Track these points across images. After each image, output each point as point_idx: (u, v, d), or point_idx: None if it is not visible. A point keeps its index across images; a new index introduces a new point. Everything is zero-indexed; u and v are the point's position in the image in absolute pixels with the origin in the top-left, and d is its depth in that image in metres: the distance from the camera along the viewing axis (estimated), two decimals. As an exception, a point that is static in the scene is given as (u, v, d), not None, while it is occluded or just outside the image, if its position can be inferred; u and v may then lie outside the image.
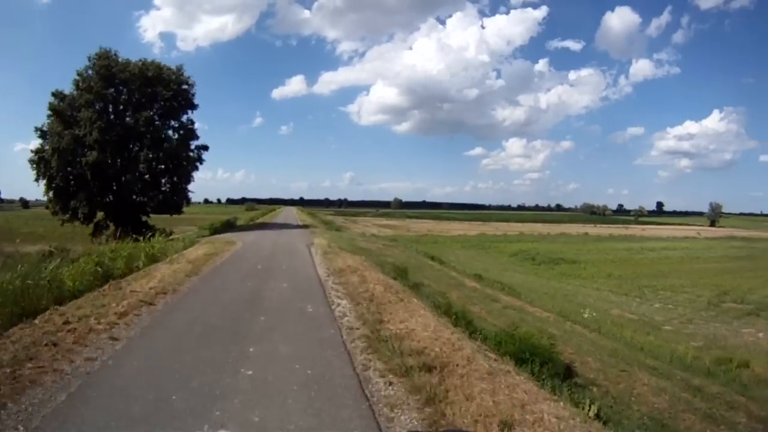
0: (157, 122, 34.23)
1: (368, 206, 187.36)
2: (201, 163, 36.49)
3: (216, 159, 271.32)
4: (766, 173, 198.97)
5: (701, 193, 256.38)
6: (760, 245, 61.42)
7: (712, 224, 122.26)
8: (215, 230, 31.82)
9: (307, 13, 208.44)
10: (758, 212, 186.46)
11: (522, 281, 30.19)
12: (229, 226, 35.88)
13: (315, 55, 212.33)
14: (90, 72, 32.21)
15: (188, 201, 37.51)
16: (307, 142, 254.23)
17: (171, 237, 32.00)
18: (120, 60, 33.09)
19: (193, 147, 36.12)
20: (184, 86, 35.02)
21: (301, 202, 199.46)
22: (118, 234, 30.32)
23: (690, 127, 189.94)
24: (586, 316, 19.24)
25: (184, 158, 35.16)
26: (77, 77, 32.21)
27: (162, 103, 34.04)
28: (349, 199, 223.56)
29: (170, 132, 35.30)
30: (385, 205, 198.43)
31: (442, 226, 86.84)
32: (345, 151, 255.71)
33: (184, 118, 35.60)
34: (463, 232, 71.67)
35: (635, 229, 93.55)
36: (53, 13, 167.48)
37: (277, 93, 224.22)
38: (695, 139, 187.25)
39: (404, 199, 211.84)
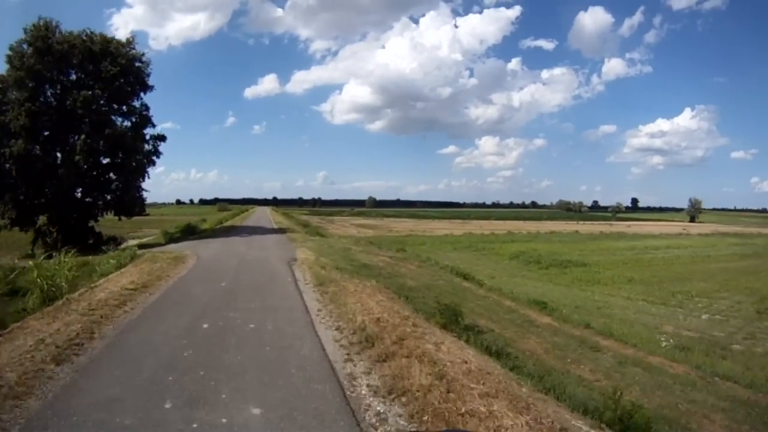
0: (102, 105, 27.92)
1: (342, 205, 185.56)
2: (158, 157, 30.51)
3: (189, 159, 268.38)
4: (738, 169, 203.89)
5: (674, 189, 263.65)
6: (759, 241, 59.11)
7: (692, 220, 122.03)
8: (171, 238, 25.96)
9: (279, 11, 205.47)
10: (731, 207, 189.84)
11: (542, 291, 25.41)
12: (189, 233, 29.95)
13: (288, 54, 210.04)
14: (25, 46, 26.00)
15: (143, 202, 31.10)
16: (280, 141, 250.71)
17: (121, 246, 26.54)
18: (63, 33, 26.94)
19: (148, 137, 30.14)
20: (137, 63, 28.84)
21: (274, 202, 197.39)
22: (57, 242, 25.21)
23: (662, 124, 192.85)
24: (664, 344, 14.58)
25: (136, 150, 29.01)
26: (9, 52, 25.97)
27: (109, 82, 27.65)
28: (323, 198, 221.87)
29: (119, 118, 29.27)
30: (360, 204, 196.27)
31: (423, 226, 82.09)
32: (318, 150, 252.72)
33: (137, 102, 29.63)
34: (449, 231, 66.94)
35: (619, 226, 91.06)
36: (21, 9, 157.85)
37: (250, 92, 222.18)
38: (667, 137, 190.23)
39: (378, 198, 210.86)
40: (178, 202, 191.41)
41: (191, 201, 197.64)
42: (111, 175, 29.16)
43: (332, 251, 18.24)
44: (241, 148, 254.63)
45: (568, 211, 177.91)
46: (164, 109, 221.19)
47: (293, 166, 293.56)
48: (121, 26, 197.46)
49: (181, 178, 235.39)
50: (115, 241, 31.16)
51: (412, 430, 3.53)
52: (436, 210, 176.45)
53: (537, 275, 32.65)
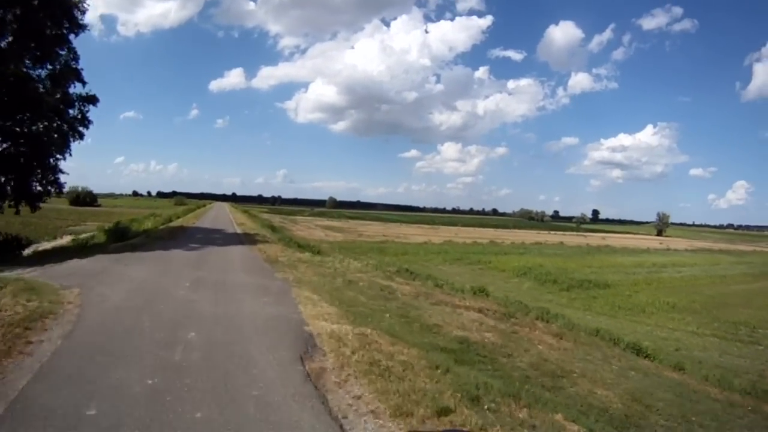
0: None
1: (302, 204, 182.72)
2: (86, 127, 22.06)
3: (149, 150, 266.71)
4: (696, 186, 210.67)
5: (632, 202, 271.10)
6: (756, 259, 56.59)
7: (659, 233, 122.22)
8: (84, 246, 17.68)
9: (252, 5, 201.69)
10: (689, 222, 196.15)
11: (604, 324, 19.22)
12: (116, 237, 21.30)
13: (256, 49, 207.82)
14: None
15: (59, 188, 22.17)
16: (242, 137, 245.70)
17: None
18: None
19: (74, 99, 21.65)
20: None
21: (233, 198, 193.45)
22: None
23: (624, 139, 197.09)
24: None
25: (55, 112, 20.53)
26: None
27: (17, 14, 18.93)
28: (283, 196, 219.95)
29: (30, 64, 20.46)
30: (319, 203, 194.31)
31: (393, 230, 75.26)
32: (280, 148, 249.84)
33: (63, 49, 21.04)
34: (425, 238, 60.33)
35: (594, 237, 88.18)
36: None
37: (215, 85, 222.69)
38: (628, 152, 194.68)
39: (338, 199, 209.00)
40: (135, 193, 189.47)
41: (149, 193, 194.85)
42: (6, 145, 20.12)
43: (364, 297, 10.74)
44: (202, 141, 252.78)
45: (530, 219, 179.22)
46: (128, 97, 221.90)
47: (254, 163, 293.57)
48: (89, 8, 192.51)
49: (141, 169, 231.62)
50: (21, 244, 22.38)
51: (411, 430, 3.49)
52: (398, 213, 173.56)
53: (565, 299, 26.81)
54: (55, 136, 20.65)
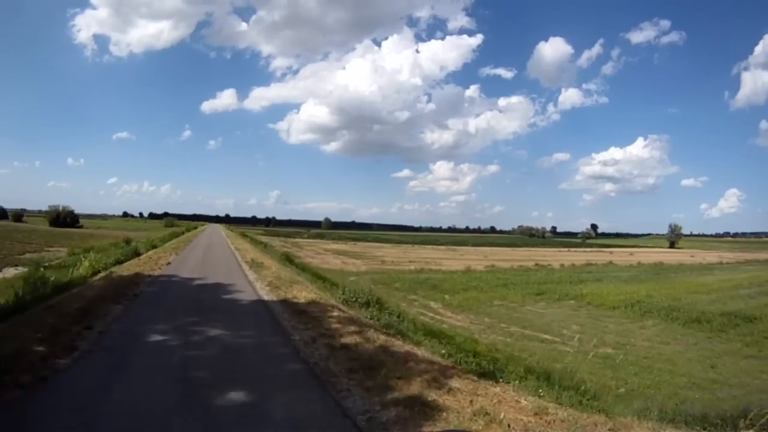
0: None
1: (296, 225, 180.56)
2: None
3: (142, 171, 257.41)
4: (688, 196, 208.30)
5: (625, 215, 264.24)
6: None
7: (672, 246, 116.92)
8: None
9: (244, 25, 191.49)
10: (685, 233, 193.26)
11: None
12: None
13: (248, 70, 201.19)
14: None
15: None
16: (235, 158, 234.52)
17: None
18: None
19: None
20: None
21: (227, 220, 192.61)
22: None
23: (615, 153, 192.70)
24: None
25: None
26: None
27: None
28: (277, 217, 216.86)
29: None
30: (314, 224, 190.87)
31: (414, 254, 66.86)
32: (272, 169, 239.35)
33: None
34: (460, 263, 52.05)
35: (621, 254, 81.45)
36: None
37: (208, 106, 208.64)
38: (620, 165, 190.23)
39: (332, 219, 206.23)
40: (125, 214, 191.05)
41: (141, 214, 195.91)
42: None
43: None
44: (195, 163, 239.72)
45: (532, 236, 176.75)
46: (121, 117, 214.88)
47: (246, 184, 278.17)
48: (83, 28, 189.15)
49: (134, 190, 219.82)
50: None
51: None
52: (397, 234, 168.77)
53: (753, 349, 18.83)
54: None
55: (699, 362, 16.58)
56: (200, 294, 14.20)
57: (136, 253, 26.86)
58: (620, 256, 72.89)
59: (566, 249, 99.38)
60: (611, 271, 45.98)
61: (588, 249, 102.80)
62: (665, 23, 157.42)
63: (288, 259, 33.34)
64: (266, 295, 14.16)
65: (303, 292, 14.50)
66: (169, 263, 21.68)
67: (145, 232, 69.07)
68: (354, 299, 14.61)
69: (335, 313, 11.29)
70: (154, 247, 33.97)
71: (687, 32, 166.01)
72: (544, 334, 20.29)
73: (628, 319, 24.31)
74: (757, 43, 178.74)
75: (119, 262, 21.36)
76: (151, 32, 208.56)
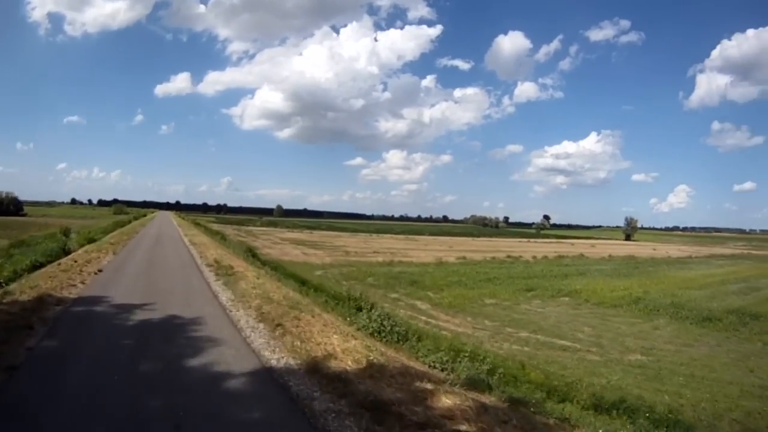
0: None
1: (247, 213, 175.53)
2: None
3: (93, 157, 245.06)
4: (638, 190, 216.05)
5: (575, 207, 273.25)
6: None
7: (627, 238, 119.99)
8: None
9: (202, 8, 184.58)
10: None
11: None
12: None
13: (204, 53, 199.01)
14: None
15: None
16: (187, 143, 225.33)
17: None
18: None
19: None
20: None
21: (177, 207, 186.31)
22: None
23: (568, 147, 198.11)
24: None
25: None
26: None
27: None
28: (228, 204, 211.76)
29: None
30: (265, 212, 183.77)
31: (377, 244, 63.65)
32: (224, 155, 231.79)
33: None
34: (427, 255, 49.05)
35: (582, 245, 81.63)
36: None
37: (161, 90, 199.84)
38: (572, 158, 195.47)
39: (283, 207, 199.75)
40: (74, 201, 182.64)
41: (90, 201, 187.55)
42: None
43: None
44: (147, 148, 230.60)
45: (485, 226, 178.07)
46: (73, 100, 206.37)
47: (198, 171, 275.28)
48: (38, 5, 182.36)
49: (84, 176, 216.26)
50: None
51: None
52: (350, 222, 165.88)
53: None
54: None
55: (735, 366, 15.31)
56: (141, 361, 6.54)
57: (65, 251, 20.58)
58: (584, 248, 72.68)
59: (526, 240, 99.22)
60: (589, 264, 44.36)
61: (550, 240, 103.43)
62: (625, 23, 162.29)
63: (253, 255, 28.79)
64: (269, 350, 7.29)
65: (330, 335, 8.14)
66: (100, 270, 15.04)
67: (93, 220, 63.89)
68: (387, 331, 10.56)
69: (444, 401, 5.59)
70: (92, 240, 26.88)
71: (646, 33, 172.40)
72: (559, 339, 17.94)
73: (638, 319, 22.29)
74: (714, 48, 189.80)
75: (36, 267, 15.33)
76: (108, 11, 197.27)
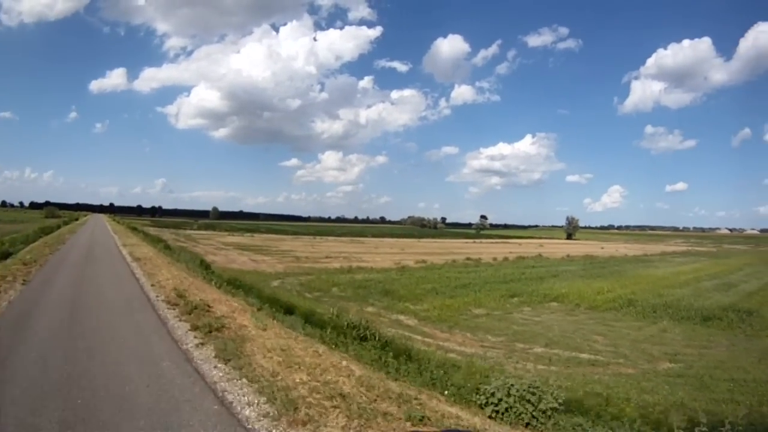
0: None
1: (183, 215, 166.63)
2: None
3: (24, 156, 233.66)
4: (572, 191, 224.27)
5: (510, 208, 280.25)
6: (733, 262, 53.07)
7: (569, 237, 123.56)
8: None
9: (141, 0, 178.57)
10: (560, 225, 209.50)
11: None
12: None
13: (141, 48, 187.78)
14: None
15: None
16: (121, 143, 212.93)
17: None
18: None
19: None
20: None
21: (111, 209, 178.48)
22: None
23: (503, 148, 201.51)
24: None
25: None
26: None
27: None
28: (163, 207, 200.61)
29: None
30: (201, 214, 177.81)
31: (325, 248, 59.54)
32: (159, 155, 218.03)
33: None
34: (383, 259, 46.07)
35: (530, 245, 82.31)
36: None
37: (96, 85, 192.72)
38: (507, 160, 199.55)
39: (219, 209, 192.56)
40: (4, 204, 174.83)
41: (21, 204, 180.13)
42: None
43: None
44: (80, 147, 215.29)
45: (423, 227, 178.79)
46: (4, 96, 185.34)
47: (132, 171, 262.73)
48: None
49: (15, 177, 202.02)
50: None
51: (412, 430, 3.69)
52: (288, 224, 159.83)
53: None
54: None
55: (763, 364, 14.60)
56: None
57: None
58: (533, 248, 72.76)
59: (471, 240, 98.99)
60: (554, 266, 43.08)
61: (495, 240, 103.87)
62: (564, 30, 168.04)
63: (206, 268, 24.22)
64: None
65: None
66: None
67: (21, 224, 54.61)
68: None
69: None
70: (6, 255, 19.40)
71: (584, 40, 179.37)
72: (579, 352, 15.75)
73: (641, 323, 20.77)
74: (650, 56, 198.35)
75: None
76: (45, 1, 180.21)
